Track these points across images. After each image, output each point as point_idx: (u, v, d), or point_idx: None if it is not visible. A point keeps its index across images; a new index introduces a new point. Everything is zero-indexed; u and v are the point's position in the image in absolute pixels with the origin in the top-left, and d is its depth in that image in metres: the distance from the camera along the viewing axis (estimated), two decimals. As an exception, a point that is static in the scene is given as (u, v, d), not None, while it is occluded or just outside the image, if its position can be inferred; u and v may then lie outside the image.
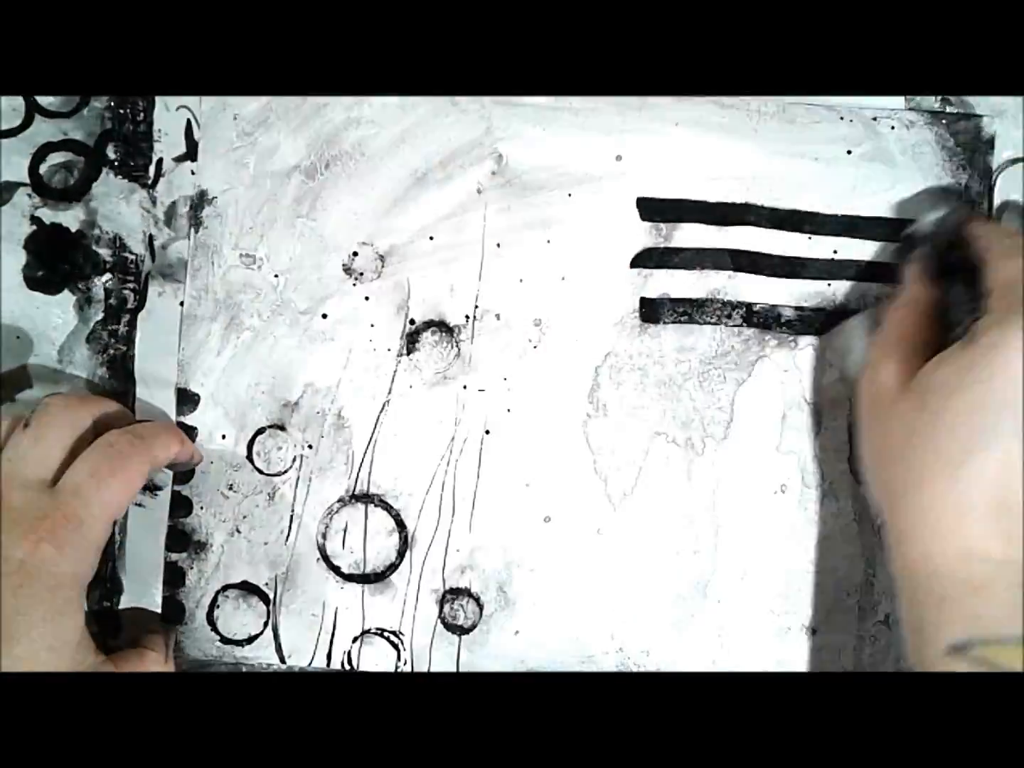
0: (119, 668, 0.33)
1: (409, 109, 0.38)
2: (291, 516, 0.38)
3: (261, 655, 0.38)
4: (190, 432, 0.38)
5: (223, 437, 0.38)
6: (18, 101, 0.38)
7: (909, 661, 0.30)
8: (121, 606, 0.38)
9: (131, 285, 0.38)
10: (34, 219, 0.38)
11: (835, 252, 0.39)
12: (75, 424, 0.33)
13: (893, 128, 0.38)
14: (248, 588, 0.38)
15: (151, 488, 0.38)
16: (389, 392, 0.38)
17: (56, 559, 0.30)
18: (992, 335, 0.29)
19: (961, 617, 0.28)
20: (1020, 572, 0.28)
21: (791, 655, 0.38)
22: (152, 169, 0.38)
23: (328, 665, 0.38)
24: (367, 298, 0.38)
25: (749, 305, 0.38)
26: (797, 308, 0.39)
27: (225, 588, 0.38)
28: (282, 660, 0.38)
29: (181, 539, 0.38)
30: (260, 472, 0.38)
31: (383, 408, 0.38)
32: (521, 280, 0.38)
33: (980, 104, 0.39)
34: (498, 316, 0.38)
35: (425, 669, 0.38)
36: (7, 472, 0.31)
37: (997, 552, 0.29)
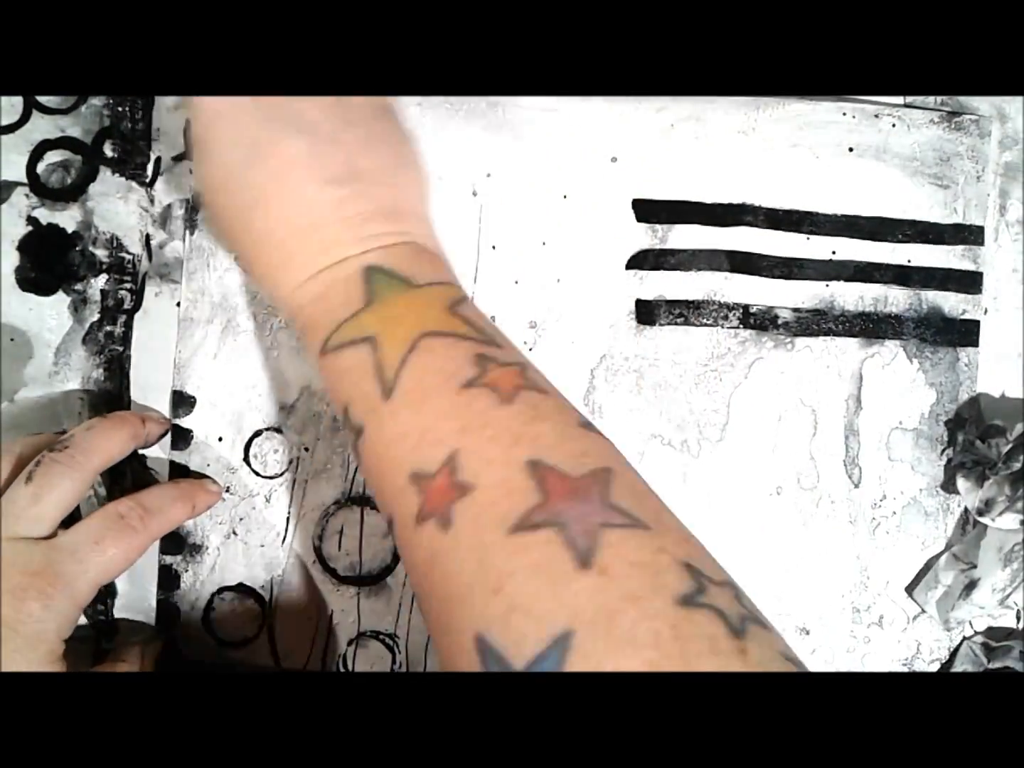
0: None
1: (403, 109, 0.38)
2: (287, 518, 0.38)
3: (256, 658, 0.38)
4: (186, 435, 0.38)
5: (219, 440, 0.38)
6: (16, 97, 0.38)
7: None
8: (115, 609, 0.38)
9: (128, 285, 0.38)
10: (31, 219, 0.38)
11: (833, 252, 0.38)
12: (77, 487, 0.32)
13: (895, 126, 0.38)
14: (244, 590, 0.38)
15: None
16: (384, 394, 0.38)
17: (41, 616, 0.30)
18: None
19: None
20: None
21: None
22: (150, 168, 0.38)
23: (323, 668, 0.38)
24: (362, 300, 0.38)
25: (746, 306, 0.38)
26: (794, 310, 0.38)
27: (221, 591, 0.38)
28: (277, 663, 0.38)
29: (176, 541, 0.38)
30: (256, 475, 0.38)
31: (378, 410, 0.38)
32: (516, 282, 0.38)
33: (980, 104, 0.39)
34: (493, 318, 0.38)
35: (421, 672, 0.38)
36: (2, 526, 0.31)
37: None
